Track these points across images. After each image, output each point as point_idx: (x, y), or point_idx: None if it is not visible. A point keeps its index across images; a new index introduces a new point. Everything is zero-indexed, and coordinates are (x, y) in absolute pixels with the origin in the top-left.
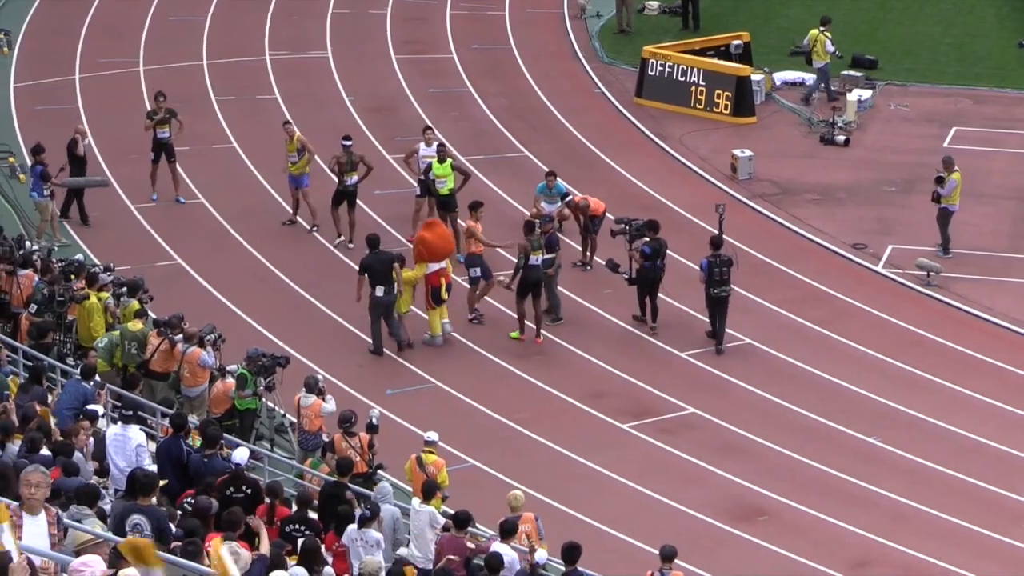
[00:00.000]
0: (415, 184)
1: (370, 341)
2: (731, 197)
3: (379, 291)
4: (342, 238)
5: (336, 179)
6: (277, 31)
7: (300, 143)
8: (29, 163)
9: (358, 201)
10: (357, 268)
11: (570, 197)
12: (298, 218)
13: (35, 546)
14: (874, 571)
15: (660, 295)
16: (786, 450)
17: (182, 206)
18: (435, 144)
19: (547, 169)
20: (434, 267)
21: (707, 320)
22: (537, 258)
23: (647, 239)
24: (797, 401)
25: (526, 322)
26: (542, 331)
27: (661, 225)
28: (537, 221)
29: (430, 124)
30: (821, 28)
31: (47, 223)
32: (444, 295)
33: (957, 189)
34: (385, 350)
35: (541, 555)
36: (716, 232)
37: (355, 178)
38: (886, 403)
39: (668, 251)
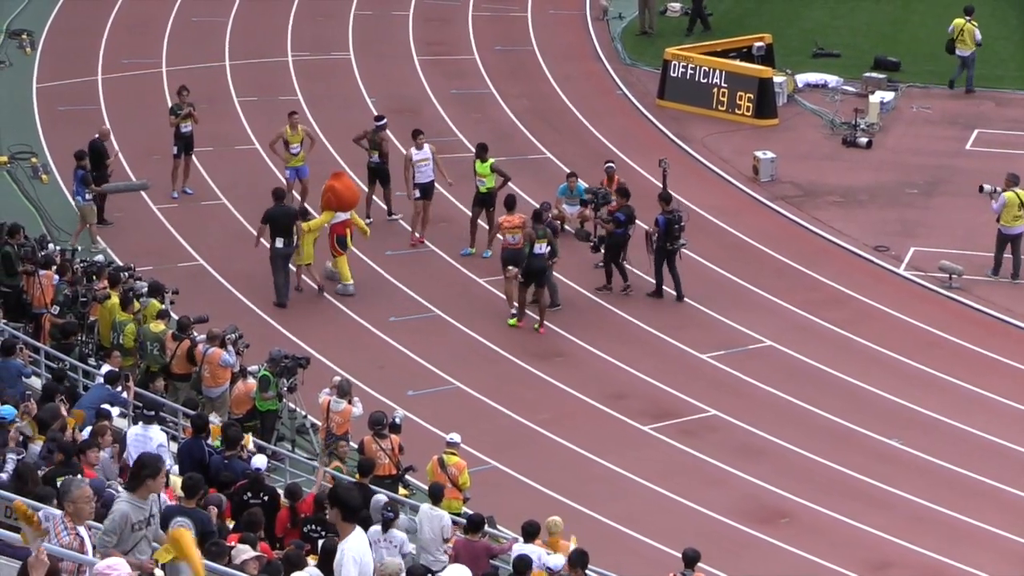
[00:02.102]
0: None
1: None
2: (753, 199)
3: (279, 243)
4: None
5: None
6: (300, 32)
7: (304, 134)
8: (54, 170)
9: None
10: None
11: (610, 164)
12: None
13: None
14: (893, 573)
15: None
16: (806, 452)
17: (204, 207)
18: (426, 147)
19: (568, 171)
20: (341, 217)
21: (665, 289)
22: (541, 247)
23: (619, 207)
24: (818, 403)
25: (527, 311)
26: (545, 321)
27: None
28: (545, 210)
29: (421, 128)
30: (967, 17)
31: (94, 226)
32: (349, 243)
33: (1009, 209)
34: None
35: (558, 561)
36: (665, 190)
37: (375, 156)
38: (906, 405)
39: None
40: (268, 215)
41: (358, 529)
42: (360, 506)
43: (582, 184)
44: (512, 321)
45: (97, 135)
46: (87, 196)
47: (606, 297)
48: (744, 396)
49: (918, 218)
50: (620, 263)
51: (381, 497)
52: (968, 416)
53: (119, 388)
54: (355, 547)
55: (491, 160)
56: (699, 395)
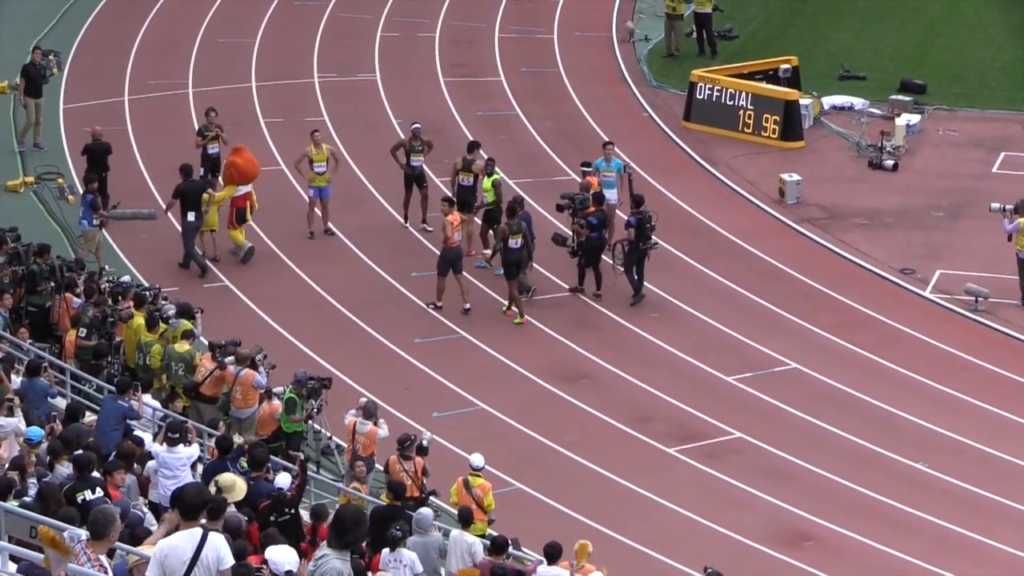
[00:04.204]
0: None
1: (199, 268)
2: (779, 222)
3: (191, 216)
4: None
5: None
6: (326, 53)
7: (330, 152)
8: (80, 191)
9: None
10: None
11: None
12: (331, 226)
13: None
14: None
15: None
16: (832, 475)
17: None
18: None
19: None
20: (243, 190)
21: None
22: (516, 241)
23: (592, 211)
24: (843, 426)
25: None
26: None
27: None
28: (517, 204)
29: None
30: None
31: (90, 253)
32: (248, 216)
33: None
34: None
35: None
36: (635, 193)
37: (420, 160)
38: (933, 428)
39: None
40: (179, 190)
41: (190, 532)
42: (200, 506)
43: (618, 161)
44: (517, 320)
45: (91, 137)
46: (94, 222)
47: (631, 318)
48: (770, 419)
49: (944, 241)
50: (598, 268)
51: (425, 512)
52: (995, 440)
53: (129, 400)
54: (165, 544)
55: (496, 176)
56: (725, 418)
